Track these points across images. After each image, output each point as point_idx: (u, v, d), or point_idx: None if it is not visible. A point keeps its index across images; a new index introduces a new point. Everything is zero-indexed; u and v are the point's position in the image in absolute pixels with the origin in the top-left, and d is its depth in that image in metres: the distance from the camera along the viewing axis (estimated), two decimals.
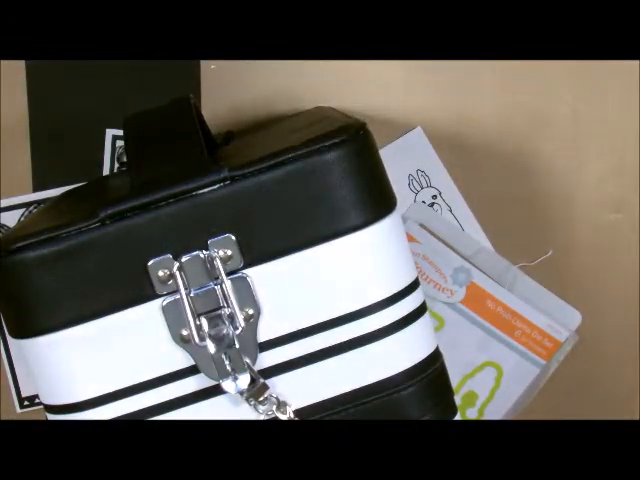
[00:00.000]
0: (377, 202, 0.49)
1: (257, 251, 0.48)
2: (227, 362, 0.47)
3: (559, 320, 0.65)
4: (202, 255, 0.47)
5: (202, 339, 0.47)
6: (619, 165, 0.64)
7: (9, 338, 0.51)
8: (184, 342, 0.48)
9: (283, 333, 0.48)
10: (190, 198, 0.47)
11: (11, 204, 0.64)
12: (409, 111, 0.64)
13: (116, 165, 0.64)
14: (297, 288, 0.48)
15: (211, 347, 0.47)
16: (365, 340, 0.49)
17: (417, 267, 0.64)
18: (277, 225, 0.47)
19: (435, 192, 0.65)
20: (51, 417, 0.50)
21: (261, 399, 0.48)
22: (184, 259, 0.47)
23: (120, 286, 0.47)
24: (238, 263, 0.48)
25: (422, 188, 0.65)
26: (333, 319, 0.48)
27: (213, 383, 0.48)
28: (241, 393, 0.48)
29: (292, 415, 0.49)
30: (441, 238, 0.65)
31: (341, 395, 0.49)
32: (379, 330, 0.49)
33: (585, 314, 0.65)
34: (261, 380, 0.48)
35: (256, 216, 0.47)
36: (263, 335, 0.48)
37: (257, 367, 0.48)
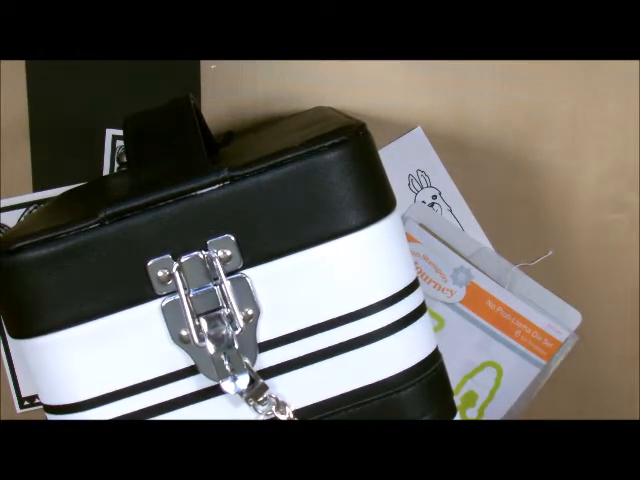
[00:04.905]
0: (376, 203, 0.49)
1: (256, 251, 0.48)
2: (226, 362, 0.47)
3: (559, 320, 0.65)
4: (201, 255, 0.47)
5: (201, 339, 0.47)
6: (619, 165, 0.64)
7: (9, 338, 0.51)
8: (183, 342, 0.48)
9: (283, 333, 0.48)
10: (190, 198, 0.47)
11: (11, 204, 0.64)
12: (409, 111, 0.64)
13: (116, 165, 0.64)
14: (296, 288, 0.48)
15: (210, 347, 0.47)
16: (365, 340, 0.49)
17: (417, 267, 0.64)
18: (276, 225, 0.47)
19: (435, 192, 0.65)
20: (51, 417, 0.50)
21: (260, 399, 0.48)
22: (183, 259, 0.47)
23: (120, 286, 0.48)
24: (237, 263, 0.48)
25: (422, 188, 0.65)
26: (333, 319, 0.48)
27: (212, 383, 0.48)
28: (240, 393, 0.48)
29: (291, 415, 0.49)
30: (441, 238, 0.65)
31: (341, 395, 0.49)
32: (379, 330, 0.49)
33: (585, 314, 0.65)
34: (260, 380, 0.48)
35: (255, 216, 0.47)
36: (262, 335, 0.48)
37: (256, 367, 0.48)
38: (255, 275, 0.48)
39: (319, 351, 0.49)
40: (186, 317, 0.47)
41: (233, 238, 0.47)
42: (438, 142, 0.64)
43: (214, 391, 0.49)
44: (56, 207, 0.55)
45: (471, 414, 0.66)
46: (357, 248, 0.48)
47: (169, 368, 0.48)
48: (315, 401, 0.49)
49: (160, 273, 0.47)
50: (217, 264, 0.47)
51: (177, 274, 0.47)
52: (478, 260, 0.65)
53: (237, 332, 0.48)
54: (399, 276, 0.50)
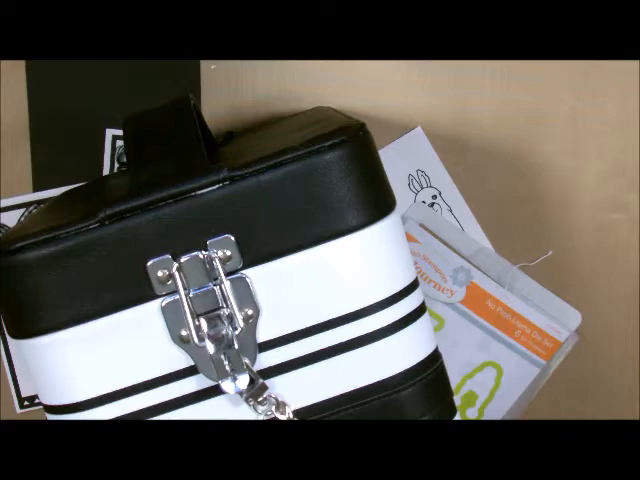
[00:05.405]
0: (376, 203, 0.49)
1: (256, 251, 0.48)
2: (226, 362, 0.47)
3: (559, 320, 0.65)
4: (201, 255, 0.47)
5: (201, 339, 0.47)
6: (619, 165, 0.64)
7: (9, 338, 0.51)
8: (183, 342, 0.48)
9: (282, 333, 0.48)
10: (189, 198, 0.47)
11: (11, 204, 0.64)
12: (409, 111, 0.64)
13: (116, 165, 0.64)
14: (296, 288, 0.48)
15: (210, 347, 0.47)
16: (365, 340, 0.49)
17: (417, 267, 0.64)
18: (276, 225, 0.47)
19: (435, 192, 0.65)
20: (51, 417, 0.50)
21: (260, 399, 0.48)
22: (183, 259, 0.47)
23: (119, 286, 0.48)
24: (237, 263, 0.48)
25: (422, 188, 0.65)
26: (332, 319, 0.48)
27: (212, 383, 0.48)
28: (240, 393, 0.48)
29: (291, 415, 0.49)
30: (441, 238, 0.65)
31: (341, 395, 0.49)
32: (379, 330, 0.49)
33: (585, 314, 0.65)
34: (260, 380, 0.48)
35: (255, 216, 0.47)
36: (262, 335, 0.48)
37: (256, 367, 0.48)
38: (255, 275, 0.48)
39: (319, 351, 0.49)
40: (186, 317, 0.47)
41: (233, 238, 0.47)
42: (438, 142, 0.64)
43: (214, 391, 0.49)
44: (56, 207, 0.56)
45: (471, 414, 0.66)
46: (357, 248, 0.48)
47: (169, 368, 0.48)
48: (315, 401, 0.49)
49: (160, 273, 0.47)
50: (217, 264, 0.47)
51: (177, 274, 0.47)
52: (478, 260, 0.65)
53: (237, 332, 0.48)
54: (399, 276, 0.50)
